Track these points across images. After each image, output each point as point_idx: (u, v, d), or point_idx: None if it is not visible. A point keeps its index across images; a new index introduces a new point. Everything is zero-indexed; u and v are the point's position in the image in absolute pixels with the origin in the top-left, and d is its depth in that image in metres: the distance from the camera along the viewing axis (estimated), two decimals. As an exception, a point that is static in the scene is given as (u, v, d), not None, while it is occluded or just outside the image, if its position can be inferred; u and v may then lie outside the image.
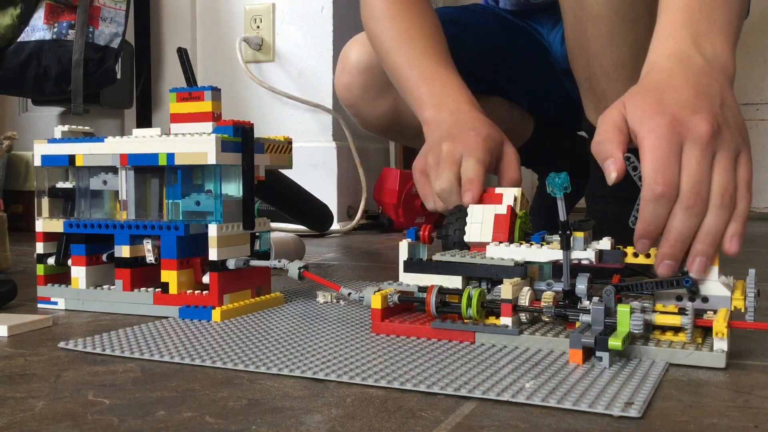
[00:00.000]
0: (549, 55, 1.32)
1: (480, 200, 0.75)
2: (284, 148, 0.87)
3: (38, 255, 0.84)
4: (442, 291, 0.67)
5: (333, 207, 1.85)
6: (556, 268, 0.67)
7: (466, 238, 0.71)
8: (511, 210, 0.71)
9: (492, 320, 0.65)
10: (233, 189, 0.79)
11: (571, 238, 0.63)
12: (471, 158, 0.80)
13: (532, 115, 1.40)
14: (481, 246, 0.70)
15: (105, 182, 0.84)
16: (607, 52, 0.96)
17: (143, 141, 0.78)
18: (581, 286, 0.63)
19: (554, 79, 1.30)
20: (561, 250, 0.64)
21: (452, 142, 0.82)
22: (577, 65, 1.01)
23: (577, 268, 0.64)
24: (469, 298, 0.64)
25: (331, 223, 1.45)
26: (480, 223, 0.71)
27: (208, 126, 0.78)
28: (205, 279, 0.78)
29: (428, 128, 0.90)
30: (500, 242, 0.69)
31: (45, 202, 0.85)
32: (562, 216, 0.62)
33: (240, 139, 0.78)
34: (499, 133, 0.86)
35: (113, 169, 0.83)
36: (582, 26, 0.96)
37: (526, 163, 1.48)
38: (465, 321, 0.66)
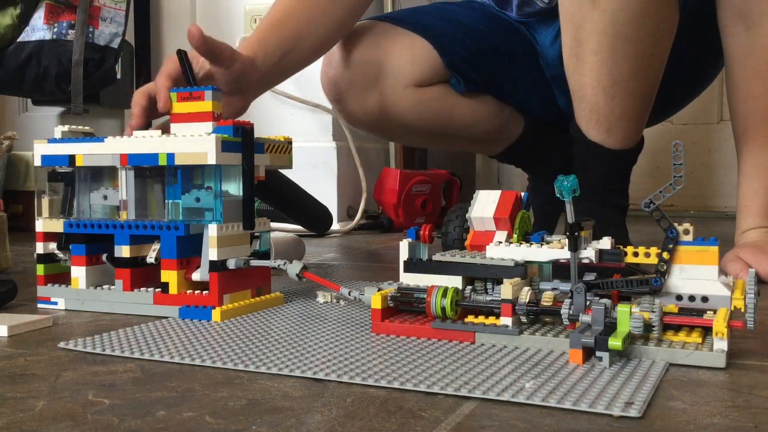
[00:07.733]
0: (541, 59, 1.31)
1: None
2: (284, 148, 0.87)
3: (38, 255, 0.84)
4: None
5: (333, 207, 1.85)
6: (556, 267, 0.67)
7: (468, 215, 0.72)
8: (517, 197, 0.72)
9: (492, 320, 0.65)
10: (233, 189, 0.79)
11: (580, 240, 0.63)
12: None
13: (522, 115, 1.39)
14: (482, 239, 0.70)
15: (105, 197, 0.84)
16: (606, 68, 0.96)
17: (143, 141, 0.78)
18: (579, 300, 0.62)
19: (546, 82, 1.30)
20: (563, 250, 0.64)
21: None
22: (572, 74, 1.01)
23: (577, 268, 0.64)
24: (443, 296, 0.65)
25: (330, 225, 1.45)
26: (485, 202, 0.72)
27: (209, 126, 0.78)
28: (195, 276, 0.78)
29: None
30: (503, 236, 0.69)
31: (45, 202, 0.85)
32: (570, 218, 0.62)
33: (240, 139, 0.78)
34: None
35: (113, 179, 0.83)
36: (584, 38, 0.95)
37: (516, 162, 1.47)
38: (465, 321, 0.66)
